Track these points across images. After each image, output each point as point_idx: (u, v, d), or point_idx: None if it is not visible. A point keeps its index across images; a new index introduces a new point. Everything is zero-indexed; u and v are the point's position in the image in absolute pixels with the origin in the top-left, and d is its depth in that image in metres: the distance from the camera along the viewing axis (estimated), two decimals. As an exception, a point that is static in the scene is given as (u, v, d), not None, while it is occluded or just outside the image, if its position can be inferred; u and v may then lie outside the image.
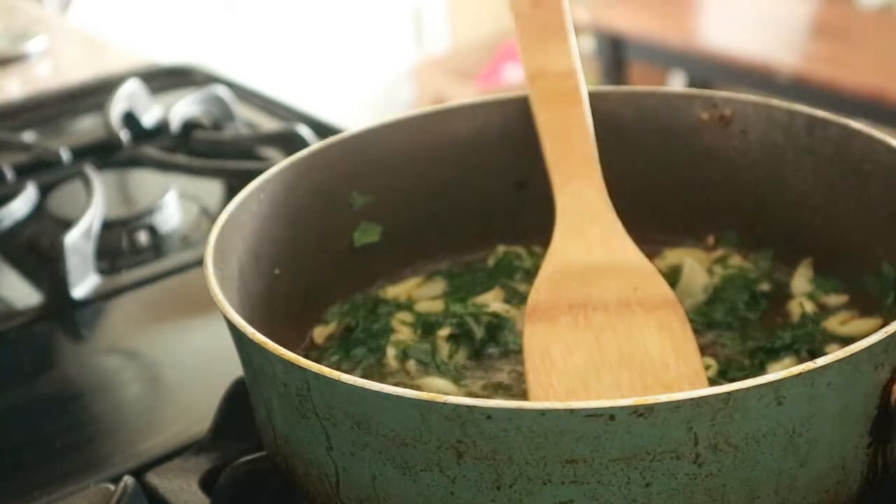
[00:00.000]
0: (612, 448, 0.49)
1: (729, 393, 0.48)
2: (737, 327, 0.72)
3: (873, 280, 0.72)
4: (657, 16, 3.23)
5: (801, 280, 0.76)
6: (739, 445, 0.50)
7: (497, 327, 0.72)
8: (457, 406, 0.49)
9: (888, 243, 0.71)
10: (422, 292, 0.79)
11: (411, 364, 0.71)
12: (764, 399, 0.49)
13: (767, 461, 0.51)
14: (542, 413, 0.48)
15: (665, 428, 0.48)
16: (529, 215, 0.80)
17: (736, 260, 0.79)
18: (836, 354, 0.50)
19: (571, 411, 0.48)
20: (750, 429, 0.49)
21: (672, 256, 0.79)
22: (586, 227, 0.71)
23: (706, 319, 0.73)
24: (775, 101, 0.77)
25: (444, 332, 0.72)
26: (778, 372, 0.49)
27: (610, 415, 0.48)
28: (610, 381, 0.65)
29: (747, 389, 0.48)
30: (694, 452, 0.49)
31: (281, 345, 0.55)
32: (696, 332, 0.71)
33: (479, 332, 0.71)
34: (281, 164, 0.75)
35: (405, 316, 0.76)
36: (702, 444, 0.49)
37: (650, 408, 0.47)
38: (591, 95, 0.79)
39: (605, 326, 0.66)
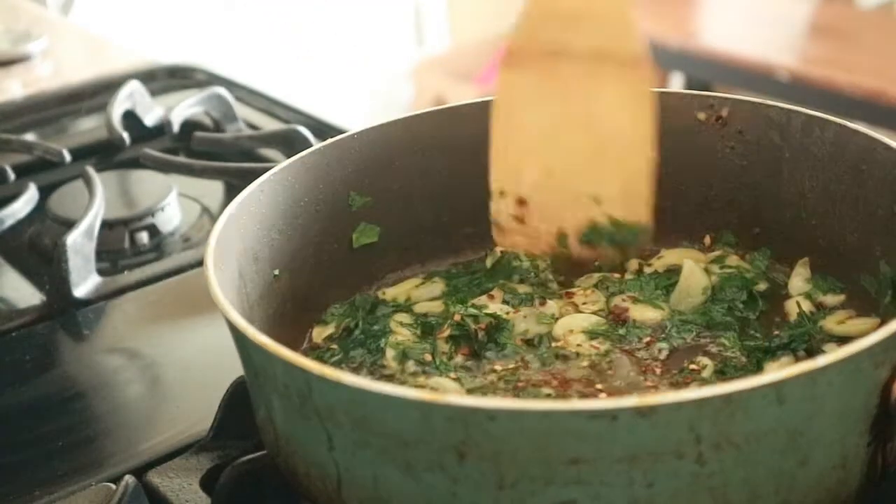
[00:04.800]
0: (615, 448, 0.49)
1: (730, 393, 0.48)
2: (735, 327, 0.72)
3: (870, 279, 0.72)
4: (656, 16, 3.22)
5: (799, 279, 0.76)
6: (741, 445, 0.50)
7: (496, 329, 0.72)
8: (459, 407, 0.49)
9: (885, 242, 0.71)
10: (420, 293, 0.79)
11: (410, 365, 0.71)
12: (766, 399, 0.49)
13: (768, 460, 0.51)
14: (545, 414, 0.48)
15: (667, 428, 0.48)
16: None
17: (733, 260, 0.79)
18: (836, 354, 0.50)
19: (574, 412, 0.48)
20: (751, 428, 0.50)
21: (670, 256, 0.79)
22: None
23: (706, 320, 0.73)
24: (772, 102, 0.77)
25: (443, 332, 0.72)
26: (778, 372, 0.49)
27: (613, 415, 0.48)
28: (566, 145, 0.70)
29: (749, 390, 0.48)
30: (696, 452, 0.49)
31: (282, 344, 0.55)
32: (696, 332, 0.71)
33: (478, 334, 0.71)
34: (280, 165, 0.75)
35: (404, 317, 0.76)
36: (704, 444, 0.49)
37: (653, 408, 0.48)
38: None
39: (574, 80, 0.69)
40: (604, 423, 0.48)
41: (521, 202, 0.74)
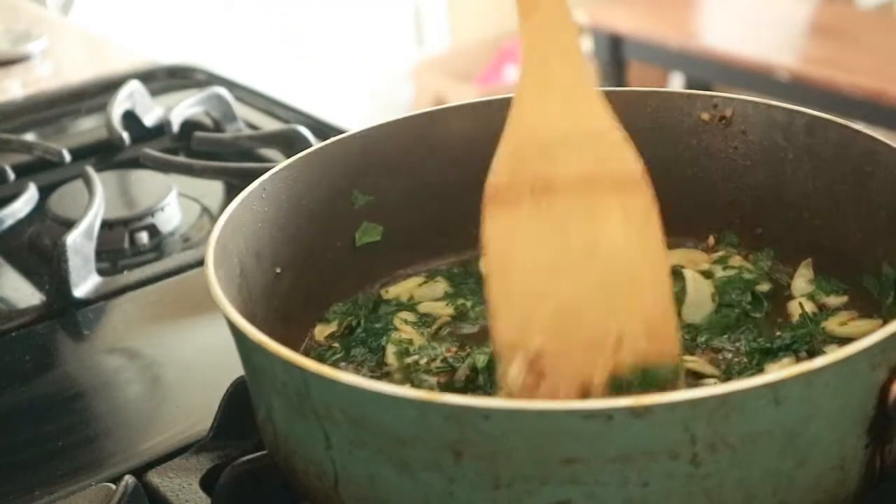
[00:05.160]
0: (610, 448, 0.49)
1: (726, 394, 0.48)
2: (742, 328, 0.72)
3: (873, 280, 0.72)
4: (656, 16, 3.23)
5: (802, 280, 0.76)
6: (737, 446, 0.50)
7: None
8: (455, 406, 0.49)
9: (888, 244, 0.71)
10: (423, 292, 0.79)
11: (412, 363, 0.71)
12: (761, 399, 0.49)
13: (765, 461, 0.51)
14: (540, 413, 0.48)
15: (662, 428, 0.48)
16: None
17: (736, 260, 0.79)
18: (833, 355, 0.50)
19: (569, 412, 0.48)
20: (747, 429, 0.50)
21: (672, 258, 0.79)
22: (551, 77, 0.64)
23: (721, 325, 0.72)
24: (776, 102, 0.77)
25: (445, 331, 0.73)
26: (775, 372, 0.49)
27: (608, 415, 0.48)
28: (573, 281, 0.62)
29: (745, 390, 0.48)
30: (691, 452, 0.49)
31: (282, 343, 0.55)
32: (709, 338, 0.71)
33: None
34: (283, 163, 0.75)
35: (407, 315, 0.76)
36: (699, 445, 0.49)
37: (647, 408, 0.48)
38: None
39: (569, 213, 0.62)
40: (599, 422, 0.48)
41: (536, 359, 0.62)
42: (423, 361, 0.71)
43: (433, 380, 0.69)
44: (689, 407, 0.48)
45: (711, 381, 0.67)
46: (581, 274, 0.62)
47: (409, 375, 0.70)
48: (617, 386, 0.62)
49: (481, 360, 0.68)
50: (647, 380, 0.61)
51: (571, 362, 0.62)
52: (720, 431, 0.49)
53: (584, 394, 0.62)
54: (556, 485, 0.50)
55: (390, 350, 0.72)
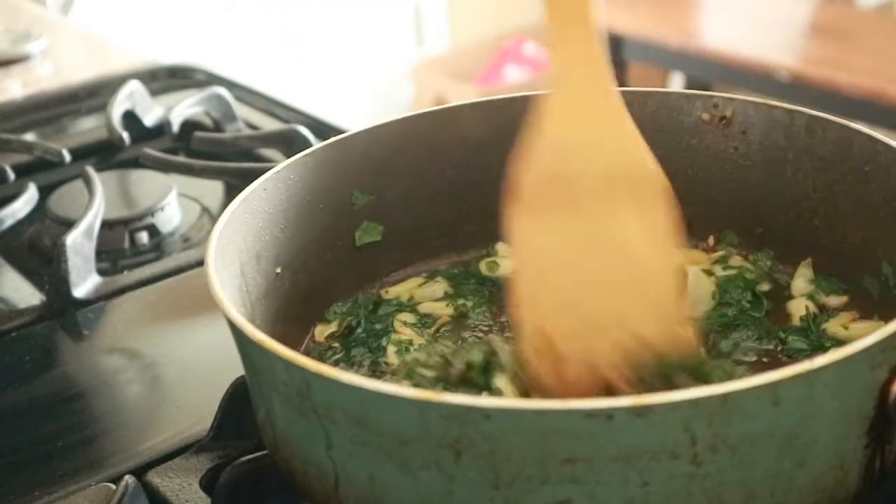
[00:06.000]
0: (611, 447, 0.49)
1: (726, 394, 0.48)
2: (744, 328, 0.72)
3: (873, 280, 0.72)
4: (656, 16, 3.23)
5: (802, 280, 0.76)
6: (737, 446, 0.50)
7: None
8: (455, 405, 0.49)
9: (888, 244, 0.71)
10: (423, 292, 0.79)
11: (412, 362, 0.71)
12: (761, 400, 0.49)
13: (765, 461, 0.51)
14: (540, 413, 0.48)
15: (663, 428, 0.48)
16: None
17: (736, 260, 0.79)
18: (832, 355, 0.50)
19: (569, 411, 0.48)
20: (747, 429, 0.50)
21: None
22: (578, 84, 0.66)
23: (721, 323, 0.73)
24: (776, 102, 0.77)
25: (445, 332, 0.73)
26: (774, 372, 0.49)
27: (608, 415, 0.48)
28: (596, 282, 0.65)
29: (744, 390, 0.48)
30: (691, 452, 0.49)
31: (282, 343, 0.55)
32: (711, 336, 0.71)
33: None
34: (284, 163, 0.75)
35: (407, 316, 0.76)
36: (699, 445, 0.49)
37: (648, 408, 0.48)
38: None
39: (591, 212, 0.65)
40: (599, 422, 0.48)
41: (555, 345, 0.66)
42: (422, 358, 0.71)
43: (432, 374, 0.69)
44: (690, 407, 0.48)
45: None
46: (602, 274, 0.65)
47: (411, 374, 0.70)
48: (638, 374, 0.64)
49: (476, 356, 0.69)
50: (664, 364, 0.63)
51: (588, 348, 0.65)
52: (720, 431, 0.49)
53: (599, 377, 0.65)
54: (557, 484, 0.50)
55: (391, 350, 0.72)
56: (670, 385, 0.61)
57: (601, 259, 0.65)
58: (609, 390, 0.64)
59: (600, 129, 0.66)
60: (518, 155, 0.66)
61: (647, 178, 0.65)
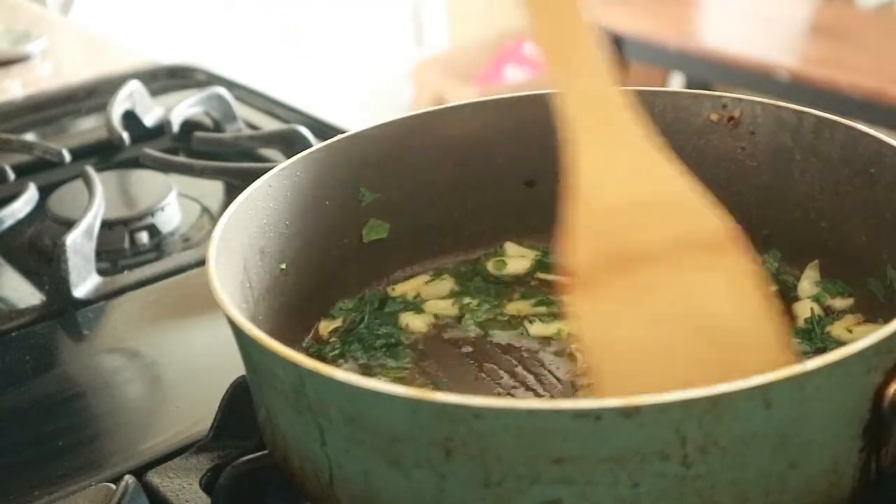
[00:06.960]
0: (600, 448, 0.49)
1: (716, 395, 0.48)
2: None
3: (877, 283, 0.72)
4: (656, 16, 3.23)
5: (808, 282, 0.76)
6: (728, 447, 0.50)
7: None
8: (446, 404, 0.49)
9: (893, 246, 0.71)
10: (430, 290, 0.80)
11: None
12: (752, 401, 0.49)
13: (757, 463, 0.51)
14: (530, 412, 0.49)
15: (652, 429, 0.49)
16: (538, 213, 0.80)
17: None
18: (825, 358, 0.50)
19: (558, 411, 0.48)
20: (738, 431, 0.50)
21: None
22: (610, 142, 0.59)
23: None
24: (784, 103, 0.77)
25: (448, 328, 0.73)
26: (766, 375, 0.49)
27: (597, 415, 0.48)
28: (684, 362, 0.56)
29: (735, 392, 0.48)
30: (682, 454, 0.50)
31: (285, 339, 0.55)
32: None
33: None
34: (289, 160, 0.75)
35: (412, 314, 0.77)
36: (690, 446, 0.49)
37: (637, 409, 0.48)
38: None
39: (663, 289, 0.57)
40: (588, 422, 0.48)
41: None
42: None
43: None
44: (680, 408, 0.48)
45: None
46: (689, 353, 0.57)
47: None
48: None
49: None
50: None
51: None
52: (711, 433, 0.49)
53: None
54: (547, 484, 0.50)
55: (395, 349, 0.73)
56: None
57: (688, 330, 0.57)
58: None
59: (649, 186, 0.58)
60: (561, 233, 0.59)
61: (714, 228, 0.59)
